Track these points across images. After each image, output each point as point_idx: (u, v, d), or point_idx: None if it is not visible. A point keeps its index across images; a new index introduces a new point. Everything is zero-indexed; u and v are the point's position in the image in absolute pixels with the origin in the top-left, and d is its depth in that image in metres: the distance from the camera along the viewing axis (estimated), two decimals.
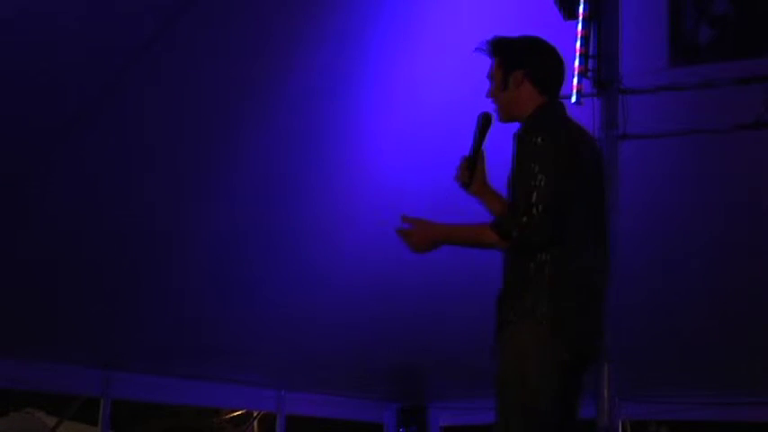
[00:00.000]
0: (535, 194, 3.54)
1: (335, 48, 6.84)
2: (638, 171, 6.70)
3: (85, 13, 5.84)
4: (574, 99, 6.15)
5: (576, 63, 6.21)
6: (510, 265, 3.73)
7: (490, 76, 3.90)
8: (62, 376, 7.82)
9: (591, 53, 6.28)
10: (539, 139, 3.63)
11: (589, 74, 6.27)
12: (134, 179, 6.88)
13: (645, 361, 7.61)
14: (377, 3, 6.83)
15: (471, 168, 3.91)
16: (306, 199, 7.51)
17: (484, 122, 3.90)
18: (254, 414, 10.02)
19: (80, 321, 7.36)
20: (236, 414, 12.35)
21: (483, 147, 3.93)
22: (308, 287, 7.87)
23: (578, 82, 6.22)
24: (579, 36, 6.27)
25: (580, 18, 6.30)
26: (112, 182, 6.80)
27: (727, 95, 6.40)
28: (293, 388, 9.04)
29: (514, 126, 3.83)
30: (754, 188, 7.17)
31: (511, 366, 3.62)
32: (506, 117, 3.88)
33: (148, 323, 7.58)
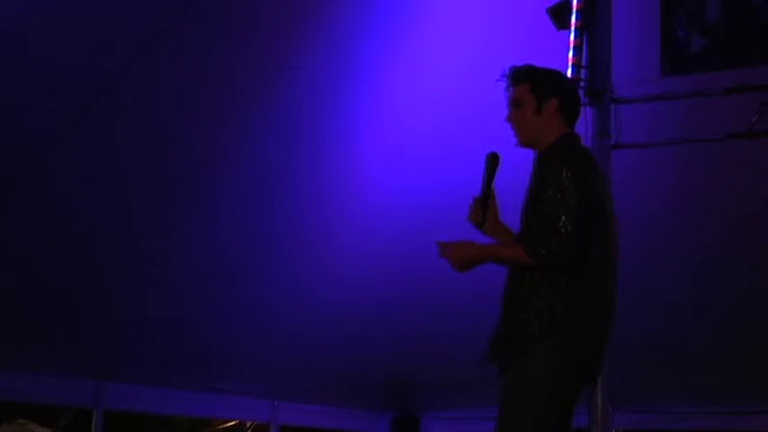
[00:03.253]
0: (564, 217, 3.66)
1: (328, 55, 6.84)
2: (631, 180, 6.70)
3: (81, 16, 5.84)
4: None
5: (569, 73, 6.21)
6: (520, 286, 3.79)
7: (515, 102, 3.99)
8: (54, 387, 7.80)
9: (583, 63, 6.29)
10: (566, 169, 3.74)
11: (581, 83, 6.27)
12: (128, 188, 6.87)
13: (638, 370, 7.60)
14: (370, 11, 6.83)
15: (484, 208, 4.01)
16: (299, 209, 7.51)
17: (492, 162, 4.01)
18: (248, 424, 9.99)
19: (72, 332, 7.34)
20: (229, 424, 12.31)
21: (493, 186, 4.03)
22: (302, 297, 7.86)
23: None
24: (571, 46, 6.27)
25: (572, 28, 6.31)
26: (105, 192, 6.79)
27: (720, 104, 6.40)
28: (287, 398, 9.02)
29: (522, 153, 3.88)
30: (746, 197, 7.18)
31: (518, 389, 3.70)
32: (528, 141, 4.00)
33: (141, 334, 7.55)
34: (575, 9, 6.31)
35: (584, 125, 6.12)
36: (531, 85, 3.97)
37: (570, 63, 6.23)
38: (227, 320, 7.77)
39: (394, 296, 7.81)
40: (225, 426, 12.69)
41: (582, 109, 6.27)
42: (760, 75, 6.24)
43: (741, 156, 6.84)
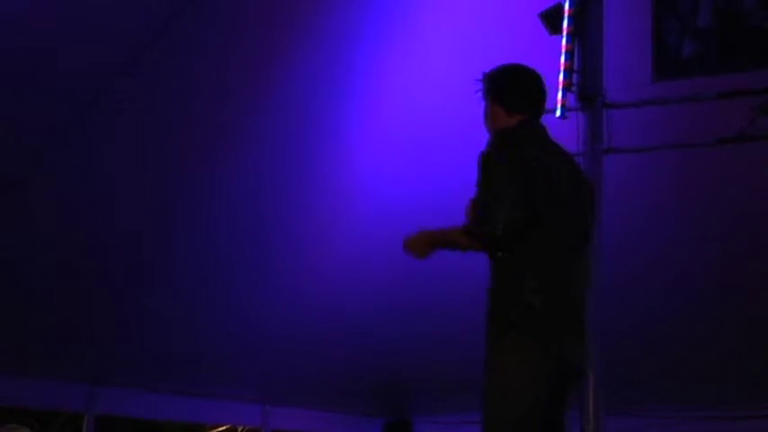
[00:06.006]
0: (496, 204, 3.69)
1: (322, 59, 6.84)
2: (623, 185, 6.71)
3: (81, 16, 5.84)
4: (558, 113, 6.16)
5: (561, 77, 6.22)
6: (495, 278, 3.82)
7: None
8: (46, 392, 7.78)
9: (575, 68, 6.30)
10: (497, 155, 3.82)
11: (573, 88, 6.28)
12: (120, 192, 6.85)
13: (631, 375, 7.60)
14: (363, 16, 6.84)
15: None
16: (291, 213, 7.50)
17: None
18: (239, 429, 9.98)
19: (64, 337, 7.32)
20: (220, 429, 12.31)
21: None
22: (293, 302, 7.85)
23: (563, 96, 6.23)
24: (564, 51, 6.29)
25: (564, 33, 6.32)
26: (98, 196, 6.77)
27: (711, 109, 6.42)
28: (278, 402, 9.01)
29: None
30: (737, 201, 7.19)
31: (496, 380, 3.72)
32: None
33: (132, 338, 7.54)
34: (567, 14, 6.32)
35: (577, 130, 6.17)
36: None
37: (562, 68, 6.25)
38: (219, 325, 7.76)
39: (386, 301, 7.81)
40: (216, 431, 12.68)
41: (574, 114, 6.33)
42: (751, 79, 6.26)
43: (733, 160, 6.86)
